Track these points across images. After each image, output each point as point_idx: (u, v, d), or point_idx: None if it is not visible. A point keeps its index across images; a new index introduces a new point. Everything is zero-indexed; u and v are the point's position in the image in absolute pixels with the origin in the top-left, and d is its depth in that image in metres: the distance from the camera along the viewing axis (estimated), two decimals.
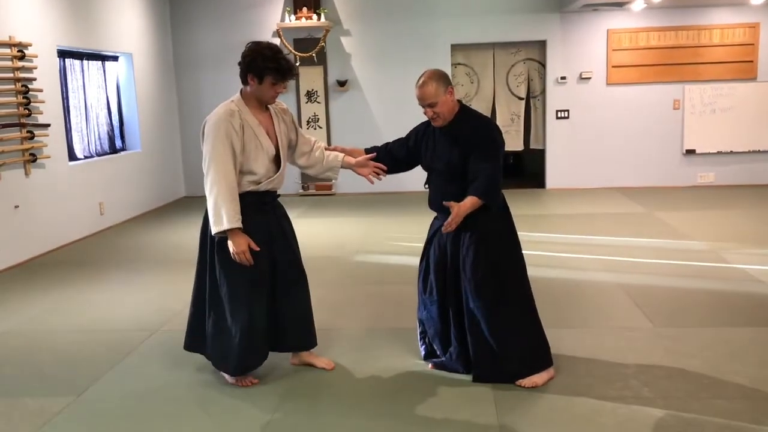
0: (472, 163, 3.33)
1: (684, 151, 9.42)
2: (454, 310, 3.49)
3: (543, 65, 9.52)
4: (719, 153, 9.38)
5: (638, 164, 9.49)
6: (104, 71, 8.16)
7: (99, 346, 4.20)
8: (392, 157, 3.68)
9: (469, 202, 3.28)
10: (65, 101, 7.27)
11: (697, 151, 9.40)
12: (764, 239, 6.37)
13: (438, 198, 3.47)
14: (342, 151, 3.72)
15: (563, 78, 9.41)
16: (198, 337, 3.60)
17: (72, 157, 7.36)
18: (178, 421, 3.24)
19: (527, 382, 3.41)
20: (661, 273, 5.38)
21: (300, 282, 3.61)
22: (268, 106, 3.47)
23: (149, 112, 8.98)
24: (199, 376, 3.71)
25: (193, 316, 3.63)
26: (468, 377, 3.51)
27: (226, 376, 3.58)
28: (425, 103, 3.38)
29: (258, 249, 3.32)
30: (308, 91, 9.57)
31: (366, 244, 6.50)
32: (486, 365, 3.43)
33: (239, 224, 3.25)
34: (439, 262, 3.51)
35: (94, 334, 4.43)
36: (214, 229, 3.27)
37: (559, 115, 9.49)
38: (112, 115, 8.37)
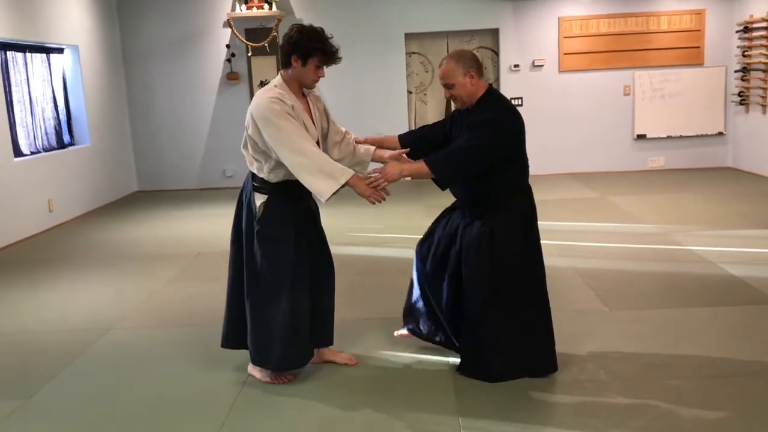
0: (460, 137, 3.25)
1: (635, 136, 9.59)
2: (438, 289, 3.45)
3: (496, 53, 9.58)
4: (669, 137, 9.58)
5: (590, 150, 9.63)
6: (49, 64, 7.92)
7: (50, 347, 4.09)
8: (429, 141, 3.52)
9: (414, 166, 3.22)
10: (8, 95, 7.03)
11: (647, 136, 9.58)
12: (713, 221, 6.53)
13: (458, 189, 3.39)
14: (372, 142, 3.58)
15: (516, 66, 9.47)
16: (235, 332, 3.47)
17: (17, 153, 7.14)
18: (131, 422, 3.17)
19: None
20: (615, 256, 5.47)
21: (331, 274, 3.56)
22: (304, 92, 3.36)
23: (98, 105, 8.76)
24: (154, 374, 3.64)
25: (229, 311, 3.50)
26: (432, 361, 3.52)
27: (258, 374, 3.45)
28: (442, 82, 3.29)
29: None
30: (261, 81, 9.44)
31: (331, 236, 6.42)
32: (468, 360, 3.40)
33: (351, 172, 3.14)
34: (443, 238, 3.41)
35: (45, 335, 4.31)
36: (329, 192, 3.07)
37: (513, 103, 9.53)
38: (59, 109, 8.14)
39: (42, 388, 3.52)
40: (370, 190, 3.17)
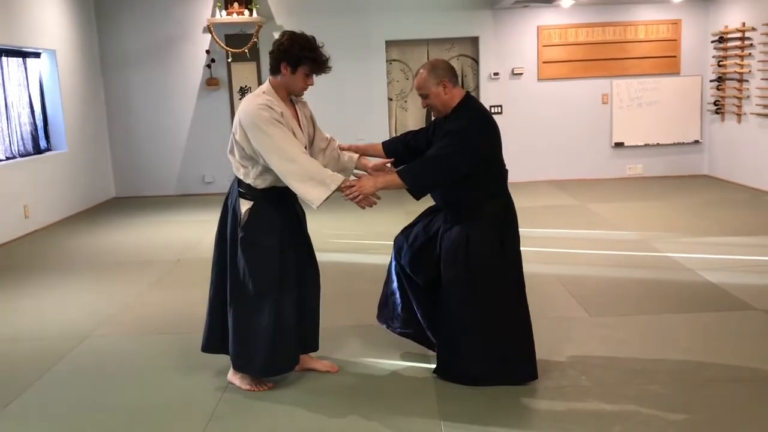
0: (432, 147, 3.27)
1: (613, 144, 9.68)
2: (424, 291, 3.46)
3: (476, 61, 9.63)
4: (646, 145, 9.68)
5: (569, 157, 9.71)
6: (26, 68, 7.82)
7: (25, 356, 4.01)
8: (413, 148, 3.54)
9: (387, 178, 3.25)
10: None
11: (625, 144, 9.67)
12: (691, 228, 6.60)
13: (436, 195, 3.40)
14: (356, 150, 3.59)
15: (496, 74, 9.53)
16: (217, 337, 3.45)
17: None
18: (110, 431, 3.12)
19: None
20: (595, 263, 5.51)
21: (316, 281, 3.55)
22: (292, 98, 3.36)
23: (75, 110, 8.66)
24: (132, 383, 3.59)
25: (210, 317, 3.47)
26: (415, 368, 3.53)
27: (238, 382, 3.42)
28: (418, 92, 3.35)
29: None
30: (241, 87, 9.41)
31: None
32: (444, 363, 3.41)
33: (340, 178, 3.16)
34: (420, 234, 3.43)
35: (20, 343, 4.24)
36: (320, 200, 3.09)
37: (492, 111, 9.61)
38: (36, 114, 8.03)
39: (18, 396, 3.46)
40: (361, 200, 3.18)
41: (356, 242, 6.51)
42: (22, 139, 7.74)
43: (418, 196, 3.31)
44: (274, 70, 3.26)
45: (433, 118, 3.57)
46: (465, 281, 3.27)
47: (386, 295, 3.71)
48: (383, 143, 3.66)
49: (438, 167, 3.21)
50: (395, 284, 3.63)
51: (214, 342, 3.48)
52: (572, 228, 6.77)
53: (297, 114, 3.36)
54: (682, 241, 6.08)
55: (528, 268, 4.98)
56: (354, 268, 5.63)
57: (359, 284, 5.14)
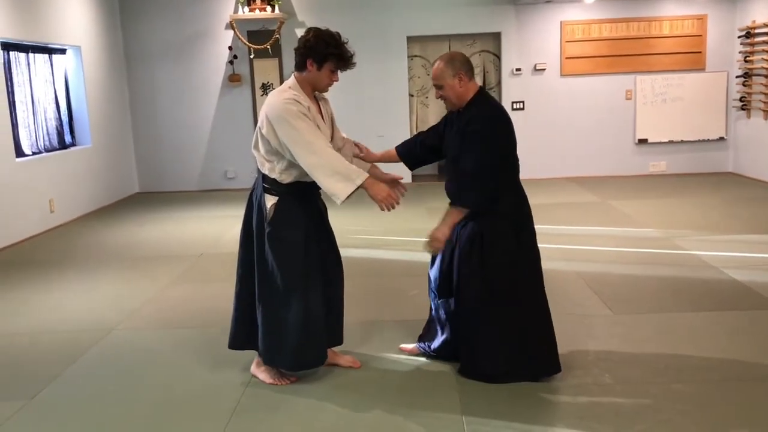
0: (461, 159, 3.26)
1: (636, 141, 9.60)
2: (448, 294, 3.44)
3: (498, 57, 9.58)
4: (670, 142, 9.58)
5: (592, 154, 9.64)
6: (51, 65, 7.92)
7: (52, 348, 4.08)
8: (428, 147, 3.56)
9: (454, 216, 3.26)
10: (10, 96, 7.03)
11: (648, 141, 9.58)
12: (715, 225, 6.53)
13: (450, 188, 3.40)
14: (371, 158, 3.57)
15: (518, 69, 9.48)
16: (244, 333, 3.45)
17: (19, 153, 7.13)
18: (134, 423, 3.16)
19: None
20: (618, 260, 5.47)
21: (340, 273, 3.55)
22: (315, 95, 3.37)
23: (99, 106, 8.76)
24: (156, 376, 3.63)
25: (237, 313, 3.48)
26: (435, 364, 3.52)
27: (262, 375, 3.44)
28: (433, 83, 3.36)
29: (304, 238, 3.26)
30: (263, 84, 9.45)
31: None
32: (466, 361, 3.40)
33: (365, 174, 3.14)
34: (447, 245, 3.40)
35: (47, 335, 4.30)
36: (344, 194, 3.07)
37: (514, 107, 9.57)
38: (61, 109, 8.14)
39: (45, 388, 3.51)
40: (382, 195, 3.15)
41: (377, 238, 6.51)
42: (48, 134, 7.84)
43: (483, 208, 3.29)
44: (300, 67, 3.27)
45: (447, 113, 3.57)
46: (481, 277, 3.27)
47: (428, 323, 3.70)
48: (396, 148, 3.66)
49: (480, 170, 3.21)
50: (432, 312, 3.62)
51: (240, 337, 3.50)
52: (594, 225, 6.72)
53: (321, 110, 3.38)
54: (706, 239, 6.02)
55: (550, 265, 4.95)
56: (375, 264, 5.65)
57: (381, 280, 5.15)
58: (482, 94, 3.36)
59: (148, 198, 9.32)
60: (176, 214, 8.10)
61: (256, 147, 3.32)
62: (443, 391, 3.30)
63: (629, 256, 5.61)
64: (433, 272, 3.51)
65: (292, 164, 3.22)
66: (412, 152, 3.61)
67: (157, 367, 3.72)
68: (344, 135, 3.60)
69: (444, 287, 3.44)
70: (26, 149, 7.36)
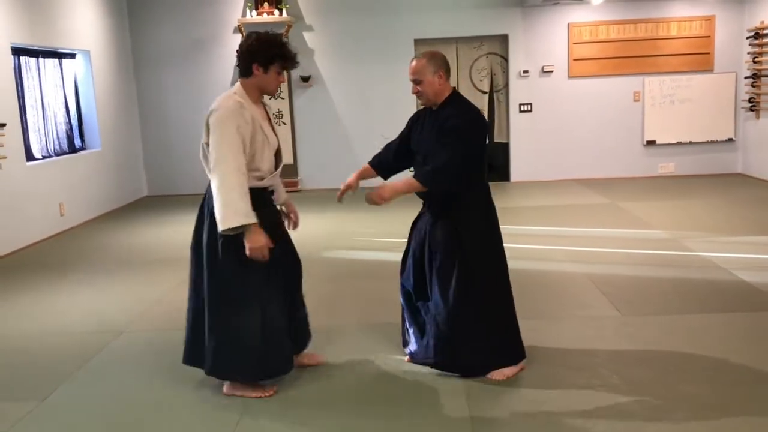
0: (436, 149, 3.33)
1: (644, 142, 9.57)
2: (426, 297, 3.49)
3: (505, 59, 9.59)
4: (678, 143, 9.56)
5: (600, 156, 9.62)
6: (61, 69, 7.98)
7: (63, 350, 4.11)
8: (401, 154, 3.63)
9: (405, 184, 3.31)
10: (21, 100, 7.09)
11: (657, 142, 9.56)
12: (724, 227, 6.51)
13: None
14: (351, 188, 3.62)
15: (526, 72, 9.48)
16: (200, 349, 3.33)
17: (29, 157, 7.19)
18: (145, 424, 3.18)
19: (497, 374, 3.42)
20: (626, 262, 5.46)
21: (300, 275, 3.57)
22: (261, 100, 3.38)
23: (108, 110, 8.81)
24: (166, 377, 3.65)
25: (192, 327, 3.37)
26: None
27: (239, 392, 3.34)
28: (411, 77, 3.42)
29: (272, 245, 3.19)
30: None
31: (333, 241, 6.46)
32: (445, 356, 3.43)
33: (255, 219, 3.12)
34: (418, 247, 3.51)
35: (58, 338, 4.33)
36: (226, 224, 3.05)
37: (522, 109, 9.57)
38: (71, 113, 8.19)
39: (56, 390, 3.54)
40: (258, 244, 3.11)
41: (380, 240, 6.51)
42: (58, 138, 7.90)
43: (436, 193, 3.39)
44: (246, 72, 3.27)
45: (413, 114, 3.66)
46: (457, 270, 3.32)
47: (403, 332, 3.74)
48: (370, 163, 3.73)
49: (450, 160, 3.27)
50: (407, 318, 3.66)
51: (196, 354, 3.37)
52: (603, 227, 6.71)
53: (268, 115, 3.39)
54: (715, 240, 6.00)
55: (558, 266, 4.97)
56: (378, 267, 5.65)
57: (385, 282, 5.15)
58: (458, 94, 3.48)
59: (157, 201, 9.37)
60: (184, 217, 8.11)
61: (205, 157, 3.27)
62: (450, 395, 3.30)
63: (637, 257, 5.60)
64: (407, 278, 3.57)
65: (249, 170, 3.19)
66: (382, 162, 3.70)
67: (166, 369, 3.73)
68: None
69: (420, 291, 3.51)
70: (36, 153, 7.41)
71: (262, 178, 3.30)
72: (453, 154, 3.26)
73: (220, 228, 3.08)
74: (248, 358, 3.27)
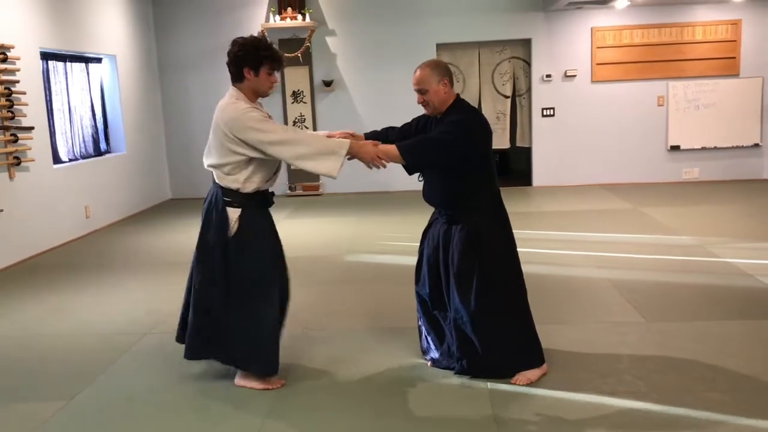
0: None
1: (668, 147, 9.49)
2: (444, 304, 3.49)
3: (528, 63, 9.56)
4: (703, 149, 9.46)
5: (623, 161, 9.55)
6: (88, 73, 8.09)
7: (89, 350, 4.16)
8: (400, 132, 3.66)
9: (386, 148, 3.30)
10: (49, 104, 7.20)
11: (681, 147, 9.47)
12: (750, 233, 6.43)
13: (431, 191, 3.50)
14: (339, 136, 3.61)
15: (548, 76, 9.45)
16: (203, 342, 3.45)
17: (56, 159, 7.29)
18: (171, 424, 3.21)
19: (521, 378, 3.41)
20: (650, 268, 5.41)
21: (287, 276, 3.64)
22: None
23: (134, 114, 8.91)
24: (191, 378, 3.68)
25: (198, 322, 3.44)
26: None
27: (250, 384, 3.46)
28: (416, 87, 3.42)
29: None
30: (294, 92, 9.54)
31: (355, 244, 6.49)
32: (468, 360, 3.43)
33: (347, 142, 3.24)
34: (432, 254, 3.52)
35: (84, 338, 4.39)
36: (336, 165, 3.18)
37: (544, 113, 9.53)
38: (96, 117, 8.30)
39: (83, 389, 3.58)
40: (370, 155, 3.24)
41: (405, 245, 6.51)
42: (84, 141, 8.00)
43: (411, 171, 3.39)
44: (237, 78, 3.35)
45: (420, 116, 3.66)
46: (476, 275, 3.32)
47: (421, 341, 3.75)
48: (365, 134, 3.75)
49: (434, 147, 3.29)
50: (424, 328, 3.68)
51: (200, 347, 3.48)
52: (626, 232, 6.66)
53: (269, 116, 3.44)
54: (741, 247, 5.93)
55: (582, 271, 4.94)
56: (402, 271, 5.65)
57: (400, 287, 5.15)
58: (461, 101, 3.48)
59: (180, 204, 9.45)
60: None
61: (214, 162, 3.37)
62: (475, 400, 3.29)
63: (662, 263, 5.55)
64: (422, 287, 3.58)
65: (256, 171, 3.32)
66: (379, 136, 3.68)
67: (191, 370, 3.76)
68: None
69: (438, 300, 3.51)
70: (63, 156, 7.52)
71: (267, 180, 3.42)
72: (440, 136, 3.28)
73: (335, 174, 3.21)
74: (263, 355, 3.39)
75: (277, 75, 3.42)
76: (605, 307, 4.55)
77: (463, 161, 3.30)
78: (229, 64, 3.36)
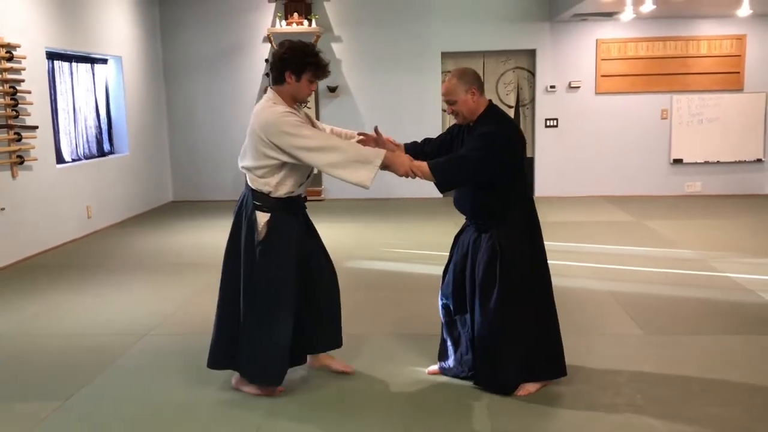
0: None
1: (671, 161, 9.49)
2: (464, 309, 3.47)
3: (532, 74, 9.57)
4: (706, 163, 9.46)
5: (626, 173, 9.55)
6: (93, 74, 8.11)
7: (87, 350, 4.15)
8: (436, 143, 3.64)
9: (419, 164, 3.28)
10: (53, 103, 7.21)
11: (684, 161, 9.47)
12: (751, 248, 6.42)
13: (461, 200, 3.48)
14: (365, 140, 3.57)
15: (552, 87, 9.46)
16: (223, 353, 3.42)
17: (59, 159, 7.30)
18: (167, 426, 3.20)
19: (520, 390, 3.40)
20: (651, 281, 5.40)
21: (334, 278, 3.60)
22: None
23: (138, 115, 8.93)
24: (189, 380, 3.67)
25: (219, 333, 3.44)
26: (464, 383, 3.51)
27: (247, 388, 3.45)
28: (445, 98, 3.43)
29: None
30: None
31: (358, 251, 6.47)
32: (485, 371, 3.41)
33: (382, 151, 3.22)
34: (460, 261, 3.48)
35: (82, 338, 4.38)
36: (370, 175, 3.14)
37: (548, 124, 9.54)
38: (101, 117, 8.31)
39: (79, 390, 3.57)
40: (405, 167, 3.23)
41: (409, 252, 6.51)
42: (88, 141, 8.01)
43: (442, 190, 3.38)
44: (278, 80, 3.31)
45: (452, 125, 3.64)
46: (499, 286, 3.29)
47: (441, 342, 3.71)
48: (405, 145, 3.72)
49: (466, 166, 3.27)
50: (445, 331, 3.64)
51: (221, 357, 3.45)
52: (628, 244, 6.65)
53: (309, 119, 3.44)
54: (742, 261, 5.92)
55: (583, 283, 4.93)
56: (407, 278, 5.65)
57: (411, 294, 5.15)
58: (493, 107, 3.44)
59: (182, 206, 9.45)
60: (209, 223, 8.19)
61: (248, 165, 3.33)
62: (472, 409, 3.28)
63: (663, 276, 5.54)
64: (446, 290, 3.55)
65: (288, 176, 3.28)
66: (417, 147, 3.67)
67: (189, 372, 3.76)
68: (326, 126, 3.65)
69: (459, 304, 3.48)
70: (66, 156, 7.53)
71: (300, 184, 3.38)
72: (471, 154, 3.24)
73: (368, 185, 3.17)
74: (270, 364, 3.35)
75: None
76: (605, 320, 4.54)
77: (492, 176, 3.29)
78: (272, 64, 3.33)
